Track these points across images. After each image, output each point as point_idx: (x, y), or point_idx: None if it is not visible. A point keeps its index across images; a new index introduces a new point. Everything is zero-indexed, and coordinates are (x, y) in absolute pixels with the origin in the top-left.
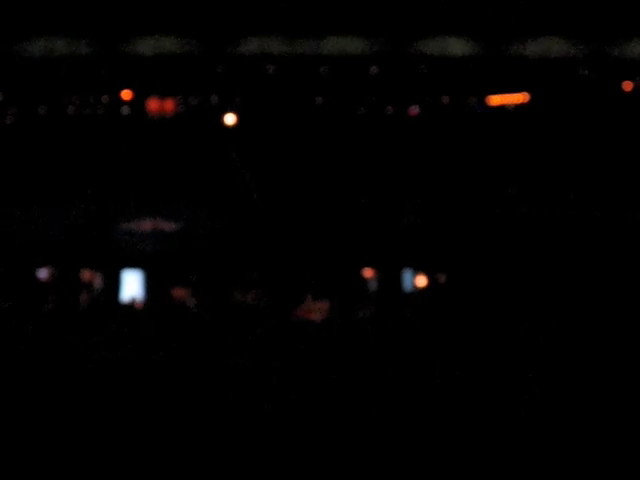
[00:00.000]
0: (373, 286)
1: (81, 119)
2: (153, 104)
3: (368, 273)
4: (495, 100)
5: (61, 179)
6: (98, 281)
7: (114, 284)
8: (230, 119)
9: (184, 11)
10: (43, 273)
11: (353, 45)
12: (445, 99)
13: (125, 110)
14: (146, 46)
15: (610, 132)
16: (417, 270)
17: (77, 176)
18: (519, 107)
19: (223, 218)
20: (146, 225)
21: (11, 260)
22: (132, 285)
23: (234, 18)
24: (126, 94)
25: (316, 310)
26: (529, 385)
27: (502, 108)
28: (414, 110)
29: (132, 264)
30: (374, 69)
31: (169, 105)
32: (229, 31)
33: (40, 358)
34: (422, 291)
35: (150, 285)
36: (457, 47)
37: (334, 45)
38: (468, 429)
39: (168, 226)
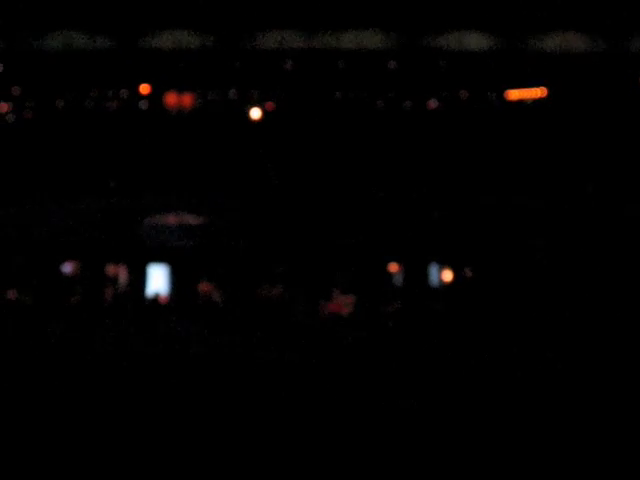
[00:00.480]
0: (400, 281)
1: (102, 112)
2: (171, 98)
3: (395, 268)
4: (513, 94)
5: (82, 174)
6: (124, 275)
7: (140, 278)
8: (256, 113)
9: (202, 6)
10: (68, 267)
11: (371, 39)
12: (463, 93)
13: (144, 104)
14: (164, 40)
15: (628, 126)
16: (443, 265)
17: (97, 171)
18: (537, 101)
19: (250, 212)
20: (172, 220)
21: (38, 255)
22: (158, 279)
23: (252, 13)
24: (144, 88)
25: (344, 304)
26: (551, 379)
27: (520, 102)
28: (432, 104)
29: (158, 259)
30: (392, 63)
31: (187, 99)
32: (246, 26)
33: (66, 351)
34: (448, 286)
35: (176, 280)
36: (474, 41)
37: (352, 39)
38: (491, 420)
39: (194, 220)
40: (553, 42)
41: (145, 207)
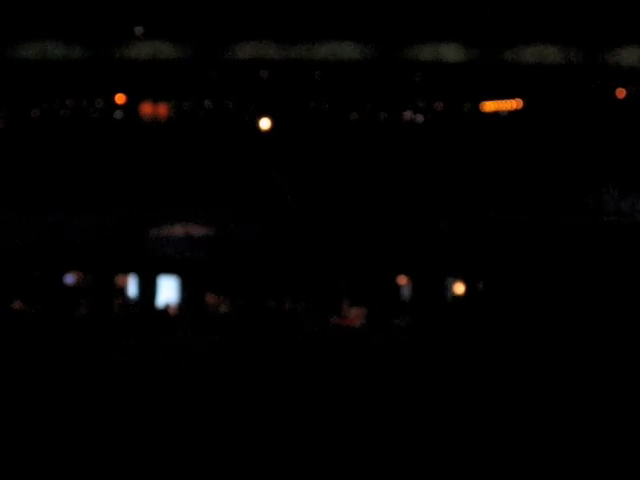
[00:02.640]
0: (410, 293)
1: (99, 121)
2: (162, 109)
3: (405, 281)
4: (489, 106)
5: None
6: (133, 286)
7: (149, 289)
8: (265, 123)
9: (178, 16)
10: (71, 278)
11: (347, 51)
12: (439, 105)
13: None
14: (140, 51)
15: (604, 138)
16: (455, 278)
17: (96, 182)
18: (513, 113)
19: (261, 226)
20: (180, 231)
21: (44, 265)
22: (168, 290)
23: (228, 23)
24: (120, 98)
25: (354, 316)
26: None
27: (496, 114)
28: (408, 115)
29: (167, 270)
30: (368, 74)
31: (163, 109)
32: (223, 36)
33: (73, 362)
34: (460, 298)
35: (186, 291)
36: (451, 53)
37: (328, 51)
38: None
39: (202, 232)
40: (529, 54)
41: (151, 218)
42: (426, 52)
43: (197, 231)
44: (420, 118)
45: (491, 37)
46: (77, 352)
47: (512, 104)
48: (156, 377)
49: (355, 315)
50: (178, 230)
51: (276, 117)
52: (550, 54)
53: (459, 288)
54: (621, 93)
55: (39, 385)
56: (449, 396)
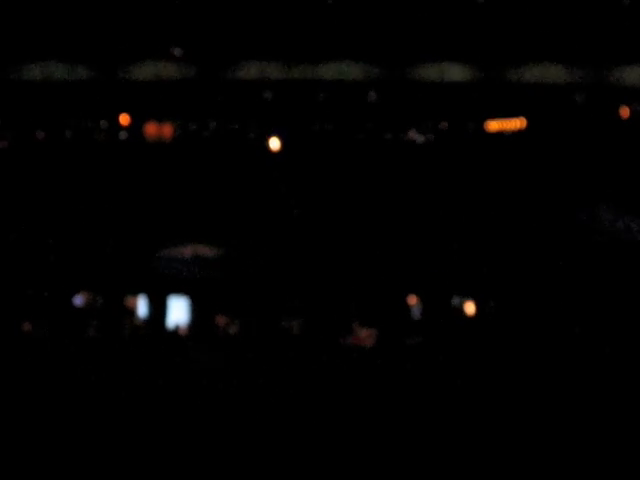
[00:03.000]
0: (421, 313)
1: (103, 143)
2: (167, 129)
3: (415, 300)
4: (493, 125)
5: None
6: (143, 307)
7: (158, 310)
8: (274, 144)
9: (182, 37)
10: (80, 299)
11: (351, 71)
12: (443, 124)
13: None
14: (144, 71)
15: (607, 157)
16: (465, 297)
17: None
18: (517, 132)
19: (269, 244)
20: (188, 252)
21: (53, 286)
22: (177, 311)
23: (232, 44)
24: (124, 118)
25: (364, 337)
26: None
27: (500, 133)
28: (413, 135)
29: (175, 290)
30: (372, 95)
31: (168, 130)
32: (227, 57)
33: (84, 384)
34: (470, 318)
35: (195, 311)
36: (455, 73)
37: (332, 71)
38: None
39: (210, 252)
40: (532, 73)
41: (160, 238)
42: (430, 72)
43: (206, 252)
44: (424, 138)
45: (495, 56)
46: (86, 374)
47: (516, 123)
48: (167, 398)
49: (365, 335)
50: (187, 251)
51: (281, 137)
52: (554, 73)
53: (469, 307)
54: (625, 112)
55: (49, 406)
56: (460, 414)
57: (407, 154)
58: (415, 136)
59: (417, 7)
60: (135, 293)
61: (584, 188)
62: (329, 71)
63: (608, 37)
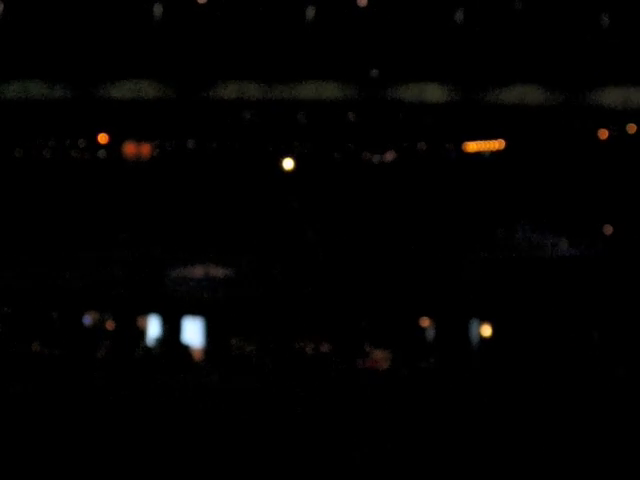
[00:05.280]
0: (436, 336)
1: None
2: (145, 148)
3: (430, 323)
4: (471, 147)
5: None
6: (155, 328)
7: (172, 331)
8: (288, 164)
9: (161, 56)
10: (93, 320)
11: (330, 90)
12: (421, 145)
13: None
14: (122, 90)
15: (585, 179)
16: (481, 320)
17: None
18: (495, 154)
19: (281, 266)
20: (199, 272)
21: (64, 306)
22: (192, 332)
23: (211, 63)
24: (103, 137)
25: (380, 359)
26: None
27: (478, 154)
28: (390, 155)
29: (191, 312)
30: (351, 115)
31: (146, 149)
32: (206, 76)
33: (94, 404)
34: (486, 341)
35: (209, 333)
36: (434, 93)
37: (310, 90)
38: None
39: (222, 272)
40: (511, 94)
41: (169, 259)
42: (409, 92)
43: (218, 272)
44: (402, 158)
45: (474, 77)
46: (97, 394)
47: (494, 145)
48: (180, 420)
49: (380, 358)
50: (198, 271)
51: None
52: (532, 95)
53: (484, 330)
54: (603, 134)
55: (61, 427)
56: (474, 435)
57: (384, 174)
58: (393, 156)
59: (396, 27)
60: (146, 313)
61: (561, 209)
62: (308, 91)
63: (586, 59)
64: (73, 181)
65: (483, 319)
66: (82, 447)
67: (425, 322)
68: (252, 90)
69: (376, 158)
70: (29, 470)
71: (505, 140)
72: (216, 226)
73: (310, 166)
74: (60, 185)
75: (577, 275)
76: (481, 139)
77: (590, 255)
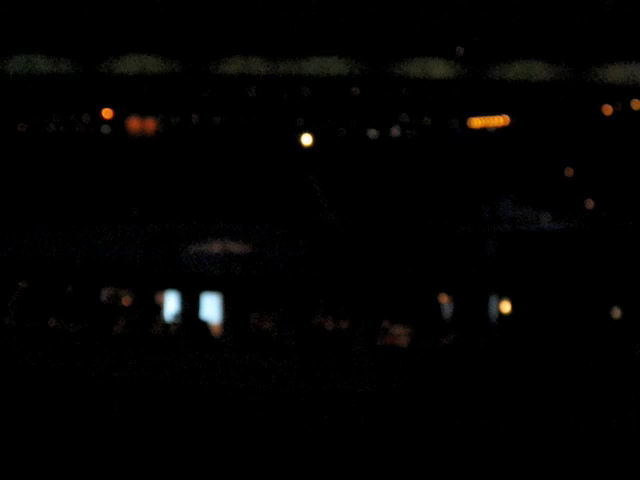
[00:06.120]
0: (455, 312)
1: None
2: (150, 123)
3: (449, 299)
4: (476, 122)
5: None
6: (173, 304)
7: (190, 307)
8: (307, 139)
9: (166, 31)
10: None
11: (335, 66)
12: (426, 120)
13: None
14: (127, 65)
15: (590, 155)
16: (501, 296)
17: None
18: (500, 129)
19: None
20: (217, 247)
21: (86, 281)
22: (210, 308)
23: (216, 38)
24: (107, 112)
25: (399, 336)
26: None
27: (483, 130)
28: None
29: (210, 287)
30: (355, 90)
31: (150, 124)
32: (211, 51)
33: (111, 380)
34: (506, 317)
35: (228, 309)
36: (439, 69)
37: (316, 66)
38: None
39: (240, 249)
40: (516, 71)
41: (188, 234)
42: (414, 68)
43: (236, 248)
44: (407, 133)
45: (479, 54)
46: (114, 371)
47: (499, 120)
48: (198, 396)
49: (399, 334)
50: (217, 247)
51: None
52: (537, 71)
53: (504, 306)
54: (608, 110)
55: (78, 403)
56: (494, 412)
57: (390, 149)
58: (398, 131)
59: (402, 4)
60: (164, 289)
61: (566, 184)
62: (313, 66)
63: (592, 36)
64: (88, 156)
65: (502, 295)
66: (98, 422)
67: (444, 298)
68: (257, 65)
69: (383, 133)
70: (46, 442)
71: (510, 116)
72: (234, 201)
73: (317, 141)
74: (75, 160)
75: (599, 252)
76: (486, 114)
77: (616, 232)
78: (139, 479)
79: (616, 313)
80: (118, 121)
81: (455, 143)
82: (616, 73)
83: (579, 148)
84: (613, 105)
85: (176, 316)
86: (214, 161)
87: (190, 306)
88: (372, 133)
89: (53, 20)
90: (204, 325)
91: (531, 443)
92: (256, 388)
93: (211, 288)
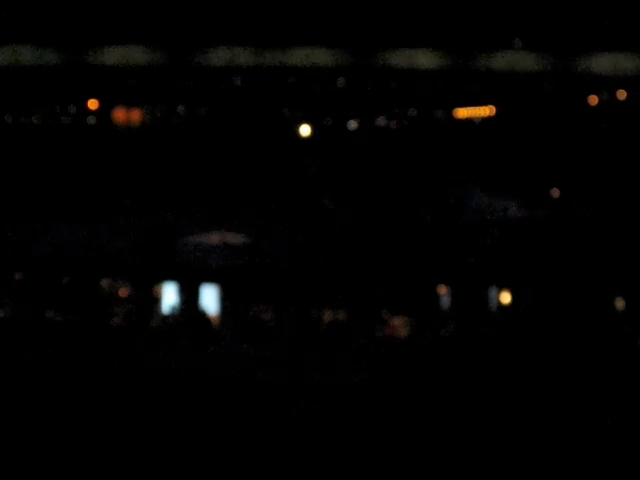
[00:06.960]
0: (455, 303)
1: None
2: (136, 114)
3: (449, 290)
4: (462, 113)
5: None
6: (171, 296)
7: (190, 298)
8: (305, 130)
9: (151, 21)
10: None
11: (320, 57)
12: (412, 111)
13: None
14: (113, 56)
15: (575, 145)
16: (500, 287)
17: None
18: (485, 120)
19: (299, 233)
20: (215, 239)
21: (83, 273)
22: (209, 300)
23: (202, 29)
24: (92, 103)
25: (398, 327)
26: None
27: (469, 120)
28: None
29: (208, 279)
30: (341, 80)
31: (136, 114)
32: (196, 42)
33: (109, 372)
34: (506, 308)
35: (227, 300)
36: (424, 60)
37: (301, 56)
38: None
39: (238, 240)
40: (502, 61)
41: (186, 226)
42: (399, 58)
43: (234, 239)
44: (393, 124)
45: (464, 44)
46: (113, 362)
47: (485, 111)
48: (196, 388)
49: (398, 325)
50: (215, 238)
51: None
52: (523, 61)
53: (504, 297)
54: (593, 100)
55: (74, 394)
56: (493, 404)
57: (375, 140)
58: (383, 122)
59: None
60: (162, 281)
61: (552, 175)
62: (299, 57)
63: (577, 26)
64: (81, 148)
65: (501, 286)
66: (96, 415)
67: (443, 290)
68: (243, 56)
69: (370, 124)
70: (42, 435)
71: (495, 106)
72: (232, 193)
73: (304, 132)
74: (66, 152)
75: (600, 241)
76: (471, 105)
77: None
78: (138, 471)
79: (619, 304)
80: (104, 112)
81: (440, 134)
82: (602, 63)
83: (565, 138)
84: (599, 95)
85: (174, 308)
86: (202, 152)
87: (188, 298)
88: (356, 124)
89: (38, 11)
90: (202, 317)
91: (531, 434)
92: (255, 380)
93: (209, 280)
